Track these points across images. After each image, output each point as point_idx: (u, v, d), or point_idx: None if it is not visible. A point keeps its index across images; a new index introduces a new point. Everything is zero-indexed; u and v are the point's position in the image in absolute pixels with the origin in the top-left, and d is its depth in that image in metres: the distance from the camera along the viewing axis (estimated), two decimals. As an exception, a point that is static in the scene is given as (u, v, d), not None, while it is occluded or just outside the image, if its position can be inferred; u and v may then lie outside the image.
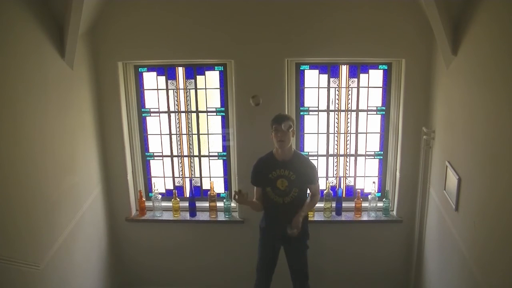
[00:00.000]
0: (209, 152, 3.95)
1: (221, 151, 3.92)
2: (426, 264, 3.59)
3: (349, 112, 3.76)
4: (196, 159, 3.96)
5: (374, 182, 3.83)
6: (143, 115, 3.86)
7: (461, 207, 2.75)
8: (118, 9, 3.40)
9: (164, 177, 4.03)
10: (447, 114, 3.07)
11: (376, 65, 3.63)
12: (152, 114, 3.86)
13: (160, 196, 3.95)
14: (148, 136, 3.93)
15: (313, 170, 3.25)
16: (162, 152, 3.96)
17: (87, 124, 3.49)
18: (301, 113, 3.75)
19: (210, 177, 3.97)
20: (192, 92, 3.78)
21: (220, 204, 3.90)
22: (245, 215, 3.83)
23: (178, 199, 3.92)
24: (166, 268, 4.08)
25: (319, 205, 3.83)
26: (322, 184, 3.90)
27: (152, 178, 4.03)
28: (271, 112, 3.56)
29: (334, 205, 3.84)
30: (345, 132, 3.80)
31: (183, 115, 3.86)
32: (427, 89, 3.43)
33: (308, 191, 3.33)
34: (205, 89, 3.77)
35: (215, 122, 3.85)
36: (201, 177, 4.00)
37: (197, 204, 3.94)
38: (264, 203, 3.24)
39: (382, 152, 3.83)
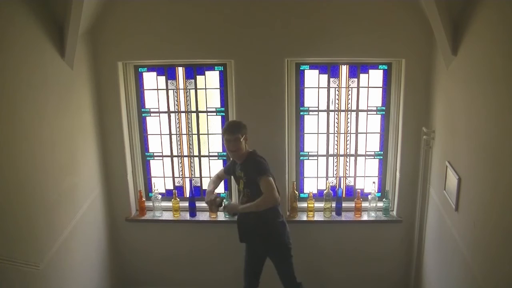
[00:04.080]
0: (209, 152, 3.95)
1: (221, 151, 3.91)
2: (426, 264, 3.59)
3: (349, 112, 3.75)
4: (196, 159, 3.96)
5: (374, 182, 3.83)
6: (143, 115, 3.86)
7: (461, 207, 2.76)
8: (118, 9, 3.40)
9: (164, 177, 4.03)
10: (447, 114, 3.07)
11: (376, 65, 3.63)
12: (152, 114, 3.86)
13: (160, 196, 3.95)
14: (148, 136, 3.93)
15: (258, 164, 3.05)
16: (162, 152, 3.96)
17: (87, 124, 3.49)
18: (301, 113, 3.75)
19: (210, 177, 3.96)
20: (192, 92, 3.78)
21: (220, 204, 3.90)
22: (245, 215, 3.83)
23: (178, 199, 3.92)
24: (166, 268, 4.08)
25: (319, 205, 3.84)
26: (322, 185, 3.90)
27: (152, 178, 4.03)
28: (271, 112, 3.58)
29: (334, 205, 3.84)
30: (345, 132, 3.80)
31: (183, 115, 3.86)
32: (427, 89, 3.43)
33: None
34: (205, 89, 3.77)
35: (215, 122, 3.85)
36: (201, 177, 4.00)
37: (197, 204, 3.93)
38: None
39: (382, 152, 3.83)
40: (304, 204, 3.84)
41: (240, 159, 3.16)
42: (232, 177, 3.47)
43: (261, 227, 3.18)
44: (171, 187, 4.05)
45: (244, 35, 3.44)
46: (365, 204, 3.83)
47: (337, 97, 3.72)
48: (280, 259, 3.28)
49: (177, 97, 3.80)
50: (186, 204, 3.93)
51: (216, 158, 3.93)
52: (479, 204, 2.46)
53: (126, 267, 4.10)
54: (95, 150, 3.62)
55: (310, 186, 3.94)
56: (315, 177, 3.92)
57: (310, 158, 3.86)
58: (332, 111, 3.75)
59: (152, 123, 3.89)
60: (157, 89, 3.80)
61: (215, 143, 3.92)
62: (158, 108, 3.84)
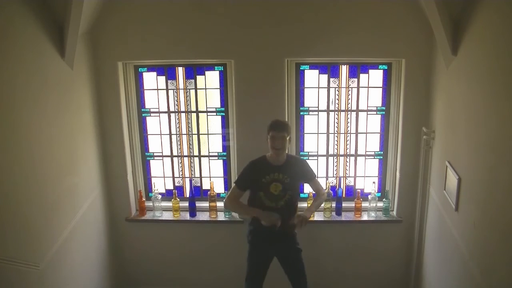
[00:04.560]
0: (209, 152, 3.95)
1: (221, 151, 3.92)
2: (426, 264, 3.59)
3: (349, 112, 3.76)
4: (196, 159, 3.96)
5: (374, 182, 3.83)
6: (143, 115, 3.86)
7: (461, 207, 2.76)
8: (118, 9, 3.40)
9: (164, 177, 4.03)
10: (447, 114, 3.07)
11: (376, 65, 3.63)
12: (152, 114, 3.86)
13: (160, 196, 3.95)
14: (148, 136, 3.93)
15: (308, 165, 3.27)
16: (162, 152, 3.96)
17: (87, 124, 3.49)
18: (301, 113, 3.75)
19: (210, 177, 3.97)
20: (192, 92, 3.78)
21: (220, 204, 3.89)
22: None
23: (178, 199, 3.92)
24: (166, 268, 4.08)
25: (319, 205, 3.84)
26: (322, 185, 3.90)
27: (152, 178, 4.03)
28: (271, 112, 3.57)
29: (334, 205, 3.84)
30: (345, 132, 3.80)
31: (183, 115, 3.86)
32: (427, 89, 3.43)
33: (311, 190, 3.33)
34: (205, 89, 3.77)
35: (215, 122, 3.85)
36: (201, 177, 4.00)
37: (197, 204, 3.93)
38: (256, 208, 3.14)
39: (382, 152, 3.83)
40: (304, 204, 3.82)
41: (281, 160, 3.07)
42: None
43: (291, 228, 3.15)
44: (171, 187, 4.05)
45: (244, 35, 3.44)
46: (365, 204, 3.83)
47: (337, 97, 3.72)
48: (299, 258, 3.23)
49: (177, 97, 3.80)
50: (186, 204, 3.93)
51: (216, 158, 3.93)
52: (479, 204, 2.46)
53: (126, 267, 4.10)
54: (95, 150, 3.62)
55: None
56: (315, 177, 3.92)
57: (310, 158, 3.86)
58: (332, 111, 3.75)
59: (152, 123, 3.89)
60: (157, 89, 3.80)
61: (215, 143, 3.92)
62: (158, 108, 3.84)
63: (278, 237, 3.13)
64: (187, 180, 4.02)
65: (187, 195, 4.01)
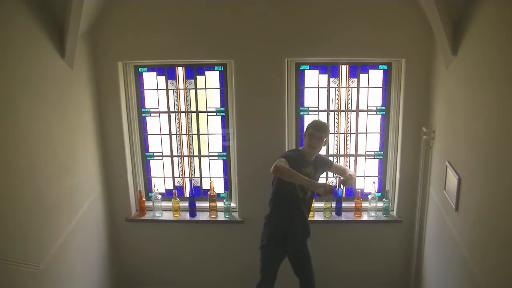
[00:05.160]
0: (209, 152, 3.95)
1: (221, 151, 3.91)
2: (426, 264, 3.59)
3: (349, 112, 3.76)
4: (196, 159, 3.96)
5: (374, 182, 3.83)
6: (143, 115, 3.86)
7: (461, 207, 2.76)
8: (118, 9, 3.40)
9: (164, 177, 4.03)
10: (447, 114, 3.07)
11: (376, 65, 3.63)
12: (152, 114, 3.86)
13: (160, 196, 3.95)
14: (148, 136, 3.93)
15: (324, 157, 3.50)
16: (162, 152, 3.96)
17: (87, 124, 3.49)
18: (301, 113, 3.75)
19: (210, 177, 3.97)
20: (192, 92, 3.78)
21: (220, 204, 3.90)
22: (245, 215, 3.83)
23: (178, 199, 3.92)
24: (166, 268, 4.08)
25: (319, 205, 3.84)
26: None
27: (152, 178, 4.03)
28: (271, 112, 3.58)
29: (334, 205, 3.84)
30: (345, 132, 3.80)
31: (183, 115, 3.86)
32: (427, 89, 3.43)
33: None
34: (205, 89, 3.77)
35: (215, 122, 3.85)
36: (201, 177, 4.00)
37: (197, 204, 3.93)
38: (283, 201, 3.21)
39: (382, 152, 3.83)
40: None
41: (312, 157, 3.26)
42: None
43: (307, 223, 3.35)
44: (171, 187, 4.05)
45: (244, 35, 3.44)
46: (365, 204, 3.83)
47: (337, 97, 3.72)
48: (308, 253, 3.38)
49: (177, 97, 3.80)
50: (186, 204, 3.93)
51: (216, 158, 3.93)
52: (479, 204, 2.46)
53: (126, 267, 4.10)
54: (95, 150, 3.62)
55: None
56: (315, 177, 3.93)
57: (310, 158, 3.86)
58: (332, 111, 3.75)
59: (152, 123, 3.89)
60: (157, 89, 3.80)
61: (215, 143, 3.92)
62: (158, 108, 3.83)
63: (292, 237, 3.25)
64: (187, 180, 4.02)
65: (187, 195, 4.01)
